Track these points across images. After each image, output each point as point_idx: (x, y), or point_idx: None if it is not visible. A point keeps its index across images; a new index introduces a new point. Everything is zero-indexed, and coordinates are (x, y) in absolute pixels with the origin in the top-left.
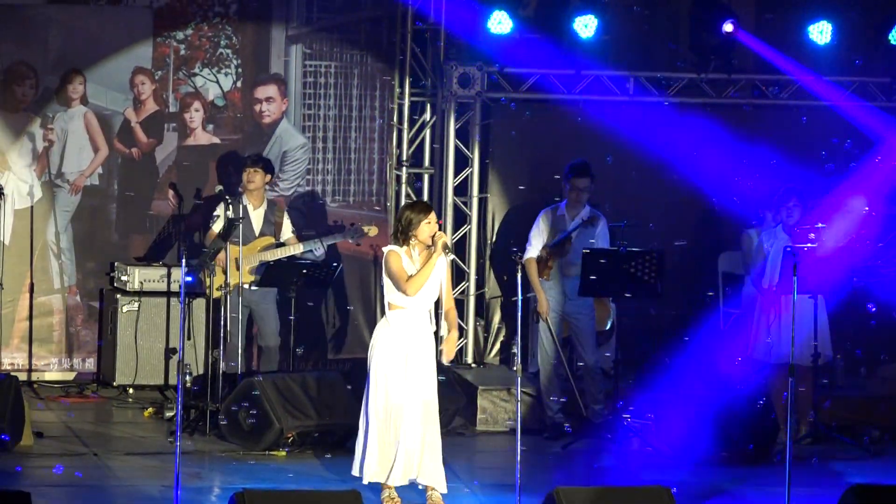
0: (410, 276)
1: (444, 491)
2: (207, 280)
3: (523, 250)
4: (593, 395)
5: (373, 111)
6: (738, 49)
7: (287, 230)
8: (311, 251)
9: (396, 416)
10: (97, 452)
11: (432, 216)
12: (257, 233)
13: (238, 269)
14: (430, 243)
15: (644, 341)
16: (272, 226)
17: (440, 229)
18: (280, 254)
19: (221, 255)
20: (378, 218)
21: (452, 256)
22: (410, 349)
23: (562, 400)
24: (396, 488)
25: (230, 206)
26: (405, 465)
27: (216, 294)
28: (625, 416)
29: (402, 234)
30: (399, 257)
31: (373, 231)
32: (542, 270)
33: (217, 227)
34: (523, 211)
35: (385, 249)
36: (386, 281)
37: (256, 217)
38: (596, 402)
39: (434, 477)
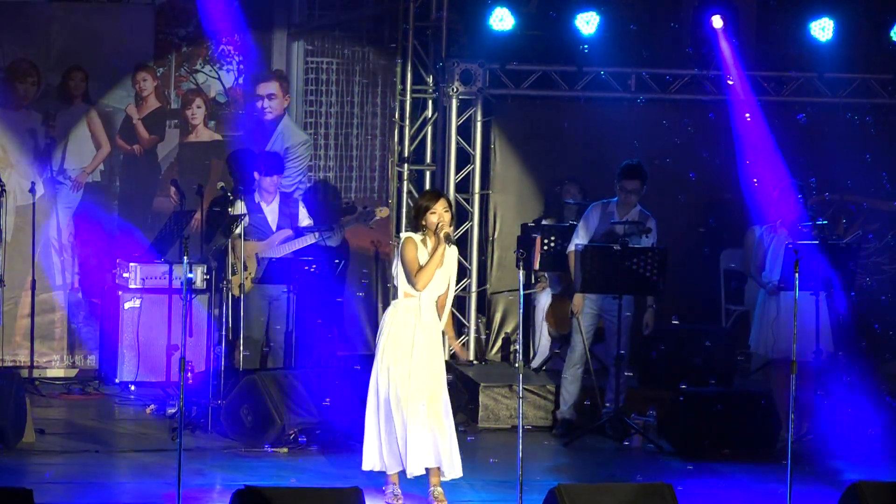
0: (420, 269)
1: (460, 474)
2: (229, 276)
3: (525, 248)
4: (612, 391)
5: (374, 108)
6: (739, 45)
7: (304, 219)
8: (329, 237)
9: (402, 406)
10: (99, 449)
11: (439, 205)
12: (274, 227)
13: (258, 264)
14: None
15: (646, 338)
16: (288, 218)
17: (452, 218)
18: (298, 245)
19: (239, 252)
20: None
21: (453, 247)
22: (417, 338)
23: (586, 403)
24: (400, 484)
25: (231, 204)
26: (417, 457)
27: (237, 291)
28: (637, 418)
29: (415, 221)
30: (414, 245)
31: (384, 212)
32: None
33: (240, 228)
34: (525, 207)
35: (402, 235)
36: (399, 268)
37: (271, 212)
38: (612, 401)
39: (449, 462)
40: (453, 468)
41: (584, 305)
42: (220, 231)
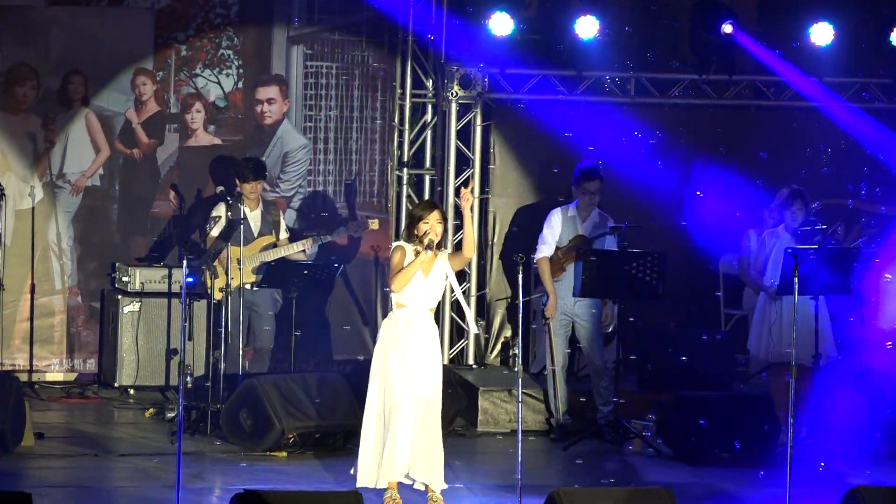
0: (397, 272)
1: (443, 486)
2: (209, 281)
3: (525, 252)
4: (601, 397)
5: (374, 112)
6: (739, 50)
7: (282, 230)
8: (303, 251)
9: (392, 415)
10: (98, 453)
11: (432, 216)
12: (256, 233)
13: (239, 269)
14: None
15: (645, 342)
16: (270, 225)
17: (444, 230)
18: (274, 255)
19: (223, 256)
20: (380, 218)
21: (430, 253)
22: (410, 348)
23: (581, 399)
24: (399, 490)
25: (231, 208)
26: (397, 463)
27: (218, 295)
28: (636, 422)
29: (407, 231)
30: (403, 253)
31: (374, 224)
32: (555, 271)
33: (216, 229)
34: (524, 212)
35: (393, 244)
36: None
37: (254, 218)
38: (604, 404)
39: (429, 473)
40: (437, 481)
41: (556, 311)
42: (219, 235)
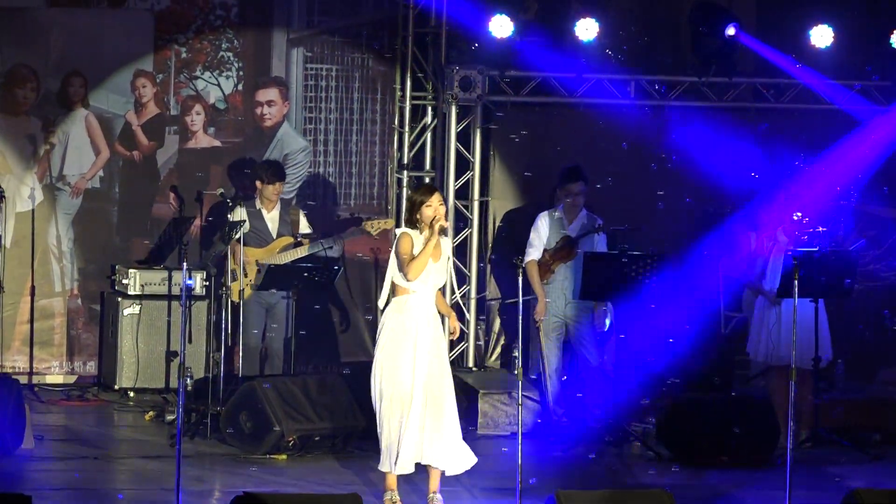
0: (412, 259)
1: (458, 471)
2: (228, 282)
3: (524, 253)
4: (595, 399)
5: (374, 114)
6: (739, 53)
7: (304, 227)
8: (330, 247)
9: (403, 404)
10: (98, 456)
11: (434, 199)
12: (275, 234)
13: (259, 271)
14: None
15: (644, 344)
16: (289, 225)
17: (445, 214)
18: (299, 253)
19: (238, 258)
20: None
21: (447, 238)
22: (417, 335)
23: (576, 404)
24: (399, 490)
25: (233, 210)
26: (408, 455)
27: (236, 297)
28: (635, 425)
29: (409, 217)
30: (410, 240)
31: (389, 224)
32: (544, 274)
33: (237, 233)
34: (524, 214)
35: (398, 231)
36: (393, 263)
37: (272, 219)
38: (597, 406)
39: (442, 458)
40: (462, 461)
41: (547, 313)
42: (219, 237)
